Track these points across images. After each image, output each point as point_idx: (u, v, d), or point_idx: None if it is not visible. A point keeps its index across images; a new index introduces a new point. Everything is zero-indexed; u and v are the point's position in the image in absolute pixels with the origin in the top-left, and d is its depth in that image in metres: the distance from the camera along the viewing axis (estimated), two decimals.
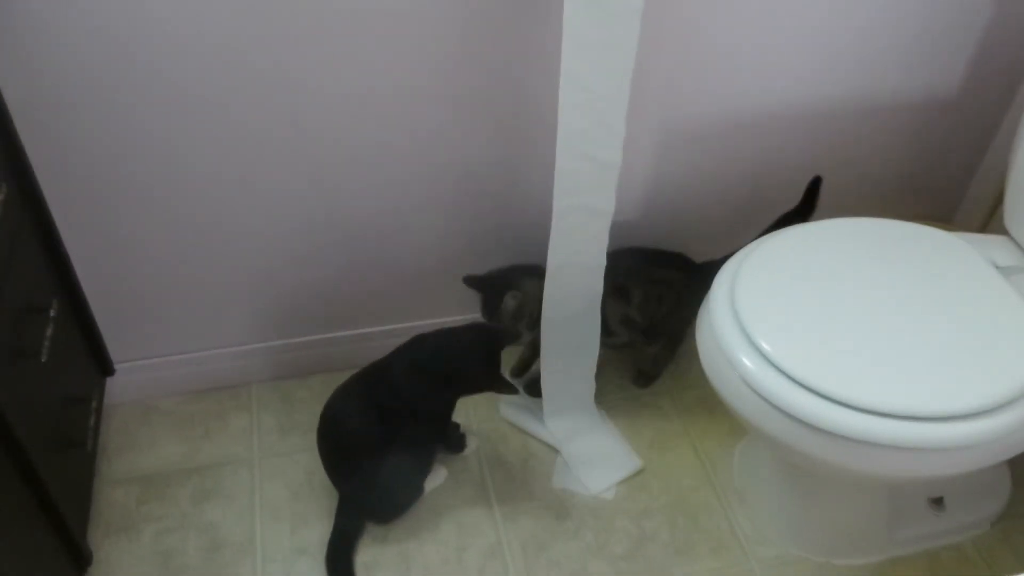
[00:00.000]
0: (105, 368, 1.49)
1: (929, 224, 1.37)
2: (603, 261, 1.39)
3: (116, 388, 1.54)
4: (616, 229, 1.37)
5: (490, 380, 1.33)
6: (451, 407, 1.41)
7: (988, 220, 1.69)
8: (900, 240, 1.33)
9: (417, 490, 1.44)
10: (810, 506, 1.42)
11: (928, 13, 1.45)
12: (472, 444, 1.52)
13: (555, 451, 1.55)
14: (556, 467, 1.53)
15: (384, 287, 1.57)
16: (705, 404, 1.62)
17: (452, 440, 1.52)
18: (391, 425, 1.32)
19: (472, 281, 1.45)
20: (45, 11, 1.11)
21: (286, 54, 1.23)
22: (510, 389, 1.33)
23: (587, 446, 1.54)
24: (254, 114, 1.28)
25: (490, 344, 1.34)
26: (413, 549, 1.40)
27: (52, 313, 1.20)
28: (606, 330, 1.49)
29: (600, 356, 1.51)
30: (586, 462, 1.52)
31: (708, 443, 1.58)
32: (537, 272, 1.44)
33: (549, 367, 1.50)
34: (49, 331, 1.17)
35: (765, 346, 1.14)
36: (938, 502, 1.43)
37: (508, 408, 1.61)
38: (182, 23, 1.17)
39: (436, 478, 1.48)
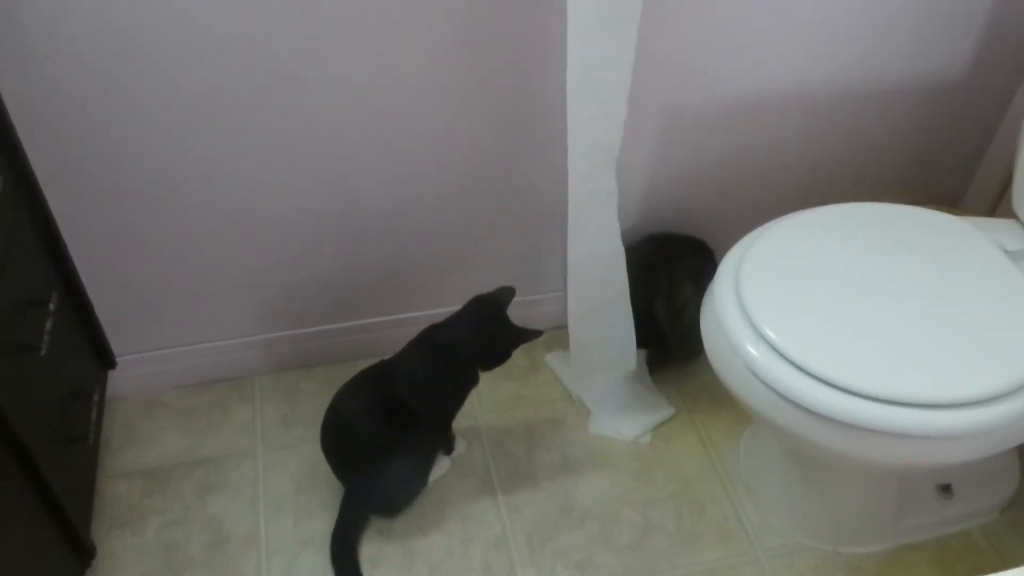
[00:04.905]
0: (106, 361, 1.48)
1: (937, 209, 1.35)
2: (620, 247, 1.38)
3: (118, 381, 1.54)
4: (619, 214, 1.36)
5: (512, 338, 1.36)
6: (463, 398, 1.41)
7: (997, 204, 1.68)
8: (908, 225, 1.32)
9: (421, 483, 1.43)
10: (817, 494, 1.41)
11: None
12: (460, 447, 1.52)
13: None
14: (592, 416, 1.56)
15: (388, 278, 1.56)
16: (710, 393, 1.61)
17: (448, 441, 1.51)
18: (398, 423, 1.31)
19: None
20: (42, 2, 1.10)
21: (289, 47, 1.22)
22: (534, 334, 1.35)
23: (621, 395, 1.57)
24: (255, 107, 1.27)
25: (497, 309, 1.36)
26: (418, 541, 1.40)
27: (51, 306, 1.19)
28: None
29: None
30: (621, 409, 1.56)
31: (714, 432, 1.57)
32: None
33: (580, 363, 1.50)
34: (48, 325, 1.16)
35: (771, 334, 1.12)
36: (946, 489, 1.42)
37: (555, 359, 1.65)
38: (184, 16, 1.15)
39: (439, 468, 1.48)
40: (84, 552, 1.27)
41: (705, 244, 1.60)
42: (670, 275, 1.54)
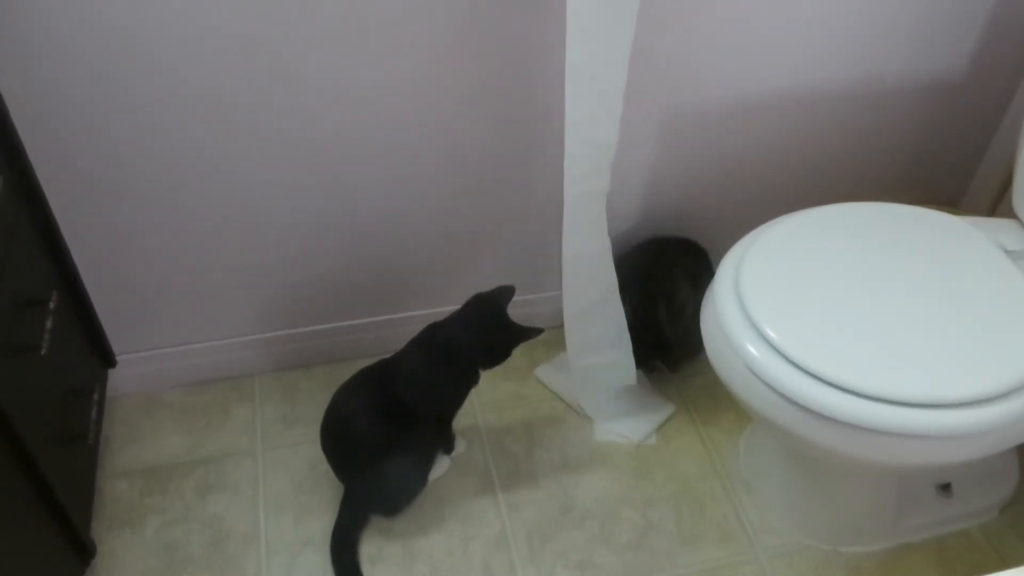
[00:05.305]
0: (107, 360, 1.48)
1: (937, 209, 1.35)
2: (608, 243, 1.38)
3: (118, 380, 1.54)
4: (619, 214, 1.36)
5: (512, 336, 1.36)
6: (463, 397, 1.42)
7: (997, 204, 1.68)
8: (907, 225, 1.32)
9: (421, 482, 1.43)
10: (817, 494, 1.41)
11: None
12: (460, 446, 1.52)
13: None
14: (595, 424, 1.56)
15: (387, 278, 1.56)
16: (710, 392, 1.61)
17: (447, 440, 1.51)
18: (398, 422, 1.31)
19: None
20: (43, 2, 1.10)
21: (289, 47, 1.22)
22: (535, 332, 1.36)
23: (620, 400, 1.56)
24: (255, 107, 1.27)
25: (497, 308, 1.36)
26: (418, 540, 1.40)
27: (52, 305, 1.19)
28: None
29: None
30: (622, 414, 1.55)
31: (714, 431, 1.57)
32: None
33: (577, 363, 1.50)
34: (49, 323, 1.16)
35: (771, 334, 1.12)
36: (946, 488, 1.42)
37: (544, 371, 1.65)
38: (184, 16, 1.15)
39: (439, 468, 1.48)
40: (84, 551, 1.27)
41: (700, 247, 1.61)
42: (671, 278, 1.54)
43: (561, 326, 1.49)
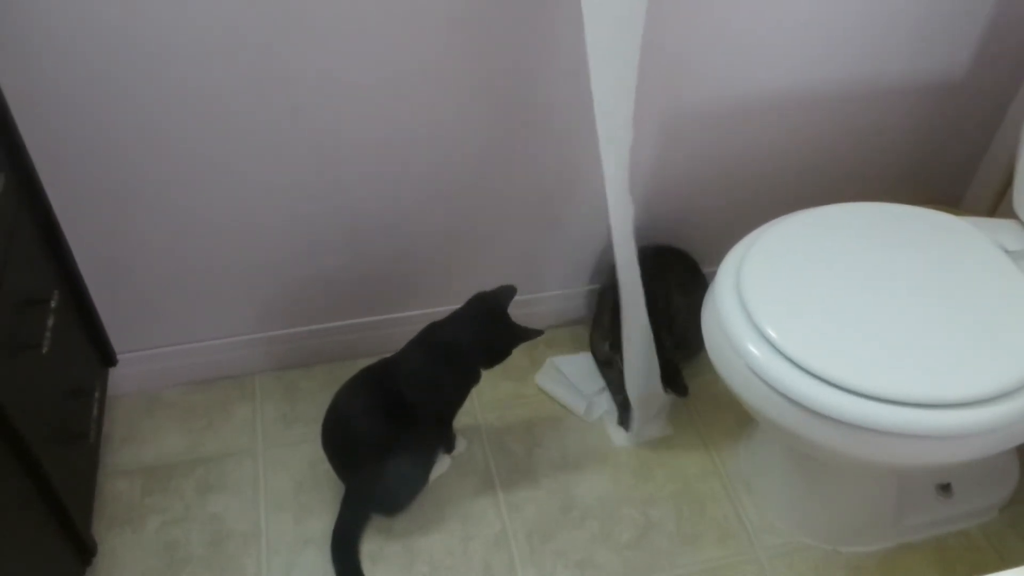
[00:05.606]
0: (107, 359, 1.48)
1: (937, 209, 1.35)
2: (633, 255, 1.36)
3: (119, 379, 1.54)
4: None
5: (513, 337, 1.36)
6: (464, 396, 1.42)
7: (997, 204, 1.68)
8: (908, 225, 1.32)
9: (422, 481, 1.44)
10: (817, 494, 1.41)
11: None
12: (461, 446, 1.52)
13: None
14: (611, 427, 1.56)
15: (388, 277, 1.56)
16: (711, 392, 1.61)
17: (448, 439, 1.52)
18: (399, 422, 1.31)
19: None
20: (43, 2, 1.10)
21: (289, 46, 1.22)
22: (535, 333, 1.36)
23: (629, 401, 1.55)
24: (255, 105, 1.27)
25: (498, 307, 1.36)
26: (418, 540, 1.40)
27: (53, 304, 1.19)
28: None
29: None
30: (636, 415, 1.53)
31: (714, 431, 1.57)
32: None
33: (628, 361, 1.50)
34: (50, 322, 1.16)
35: (772, 334, 1.12)
36: (946, 488, 1.42)
37: (543, 377, 1.64)
38: (184, 16, 1.15)
39: (440, 467, 1.48)
40: (85, 550, 1.27)
41: (688, 254, 1.62)
42: (667, 290, 1.54)
43: (560, 326, 1.49)
